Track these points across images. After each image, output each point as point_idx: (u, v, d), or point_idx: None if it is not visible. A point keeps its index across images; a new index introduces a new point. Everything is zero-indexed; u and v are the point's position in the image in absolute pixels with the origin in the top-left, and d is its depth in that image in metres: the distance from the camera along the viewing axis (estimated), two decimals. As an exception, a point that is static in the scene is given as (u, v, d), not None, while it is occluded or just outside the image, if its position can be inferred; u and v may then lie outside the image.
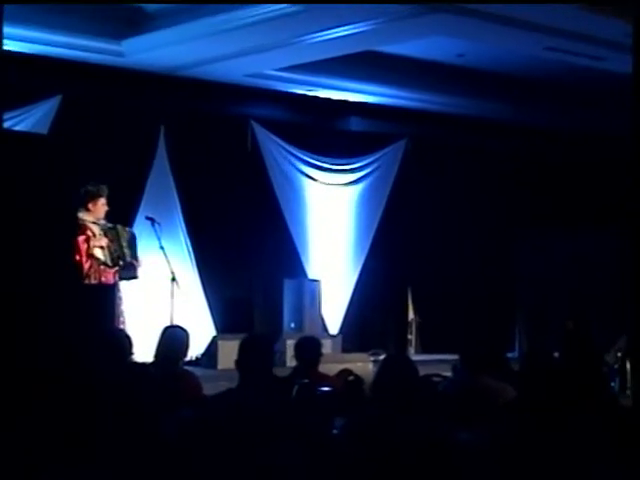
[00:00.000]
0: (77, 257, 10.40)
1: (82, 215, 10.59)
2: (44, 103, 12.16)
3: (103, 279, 10.71)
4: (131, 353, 6.88)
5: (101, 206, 10.81)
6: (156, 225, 11.56)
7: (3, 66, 6.98)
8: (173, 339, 7.09)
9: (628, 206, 6.50)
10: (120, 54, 12.14)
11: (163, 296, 11.57)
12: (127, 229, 11.33)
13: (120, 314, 10.84)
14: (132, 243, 11.10)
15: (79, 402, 4.88)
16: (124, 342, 6.77)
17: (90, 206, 10.74)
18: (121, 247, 10.91)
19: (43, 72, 12.02)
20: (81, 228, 10.55)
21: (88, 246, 10.61)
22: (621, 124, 15.77)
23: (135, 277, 11.08)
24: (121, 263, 10.90)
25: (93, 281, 10.60)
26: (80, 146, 11.22)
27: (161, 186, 13.38)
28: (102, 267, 10.74)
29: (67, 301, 6.10)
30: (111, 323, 10.21)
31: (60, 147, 6.69)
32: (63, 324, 5.98)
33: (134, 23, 11.86)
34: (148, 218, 11.72)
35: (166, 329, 7.35)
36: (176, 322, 10.47)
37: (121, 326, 10.67)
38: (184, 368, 7.33)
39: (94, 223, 10.80)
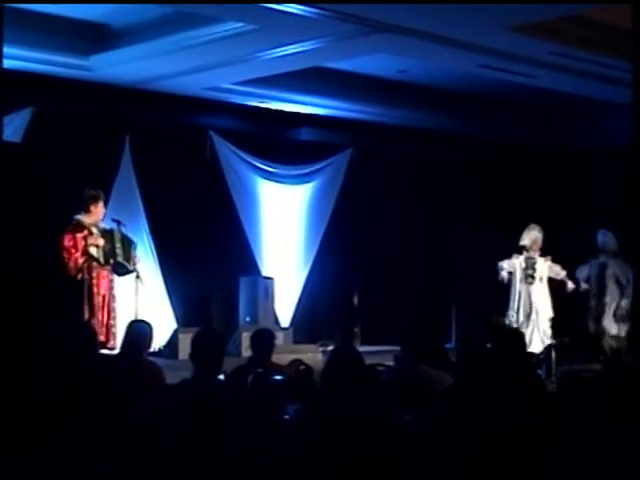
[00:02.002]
0: (73, 251, 10.83)
1: (82, 217, 11.19)
2: (17, 114, 12.05)
3: (94, 274, 11.05)
4: (97, 345, 6.88)
5: (100, 208, 11.29)
6: (122, 226, 11.56)
7: (3, 80, 6.90)
8: (138, 332, 7.09)
9: (630, 211, 6.51)
10: (88, 69, 12.05)
11: (128, 292, 11.55)
12: (123, 233, 11.50)
13: (112, 310, 11.11)
14: (125, 245, 11.41)
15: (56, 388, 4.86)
16: (91, 334, 6.76)
17: (92, 208, 11.16)
18: (114, 248, 11.26)
19: (16, 85, 11.89)
20: (80, 227, 11.04)
21: (85, 243, 11.01)
22: (551, 135, 15.99)
23: (129, 272, 11.42)
24: (112, 262, 11.23)
25: (86, 275, 10.94)
26: (52, 153, 11.27)
27: (126, 191, 13.31)
28: (95, 264, 11.04)
29: (37, 292, 6.07)
30: (78, 316, 10.36)
31: (35, 154, 6.67)
32: (31, 315, 5.95)
33: (101, 40, 11.79)
34: (114, 220, 11.69)
35: (131, 323, 7.39)
36: (140, 316, 10.54)
37: (112, 322, 10.99)
38: (148, 358, 7.31)
39: (93, 225, 11.18)
